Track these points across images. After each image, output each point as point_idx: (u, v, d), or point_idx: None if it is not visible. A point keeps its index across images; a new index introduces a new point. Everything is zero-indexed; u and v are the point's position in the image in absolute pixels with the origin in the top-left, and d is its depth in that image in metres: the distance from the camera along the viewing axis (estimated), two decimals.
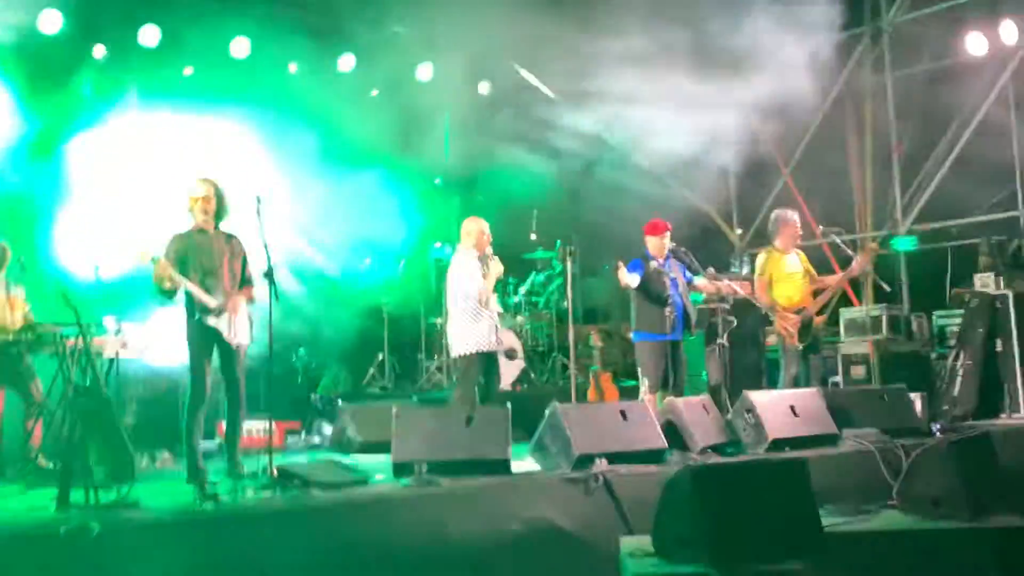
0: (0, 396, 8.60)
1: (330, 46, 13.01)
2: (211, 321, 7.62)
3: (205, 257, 7.76)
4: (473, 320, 8.97)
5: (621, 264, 9.10)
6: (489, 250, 9.15)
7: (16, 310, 8.84)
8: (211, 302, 7.63)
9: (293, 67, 12.96)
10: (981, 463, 6.65)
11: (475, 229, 9.18)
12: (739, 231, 15.44)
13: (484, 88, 14.36)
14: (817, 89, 12.52)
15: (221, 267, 7.81)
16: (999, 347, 10.56)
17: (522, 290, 13.53)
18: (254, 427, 9.80)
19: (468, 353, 8.95)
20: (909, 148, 13.33)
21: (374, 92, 13.38)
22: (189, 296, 7.62)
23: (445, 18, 11.89)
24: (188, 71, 12.29)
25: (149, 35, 11.81)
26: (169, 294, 7.60)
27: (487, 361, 9.03)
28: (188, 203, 7.85)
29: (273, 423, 9.11)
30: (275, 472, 6.48)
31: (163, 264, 7.42)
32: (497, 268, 9.09)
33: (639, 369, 9.40)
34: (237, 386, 7.81)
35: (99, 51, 11.70)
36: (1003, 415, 10.30)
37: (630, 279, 9.13)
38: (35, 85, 11.22)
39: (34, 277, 8.78)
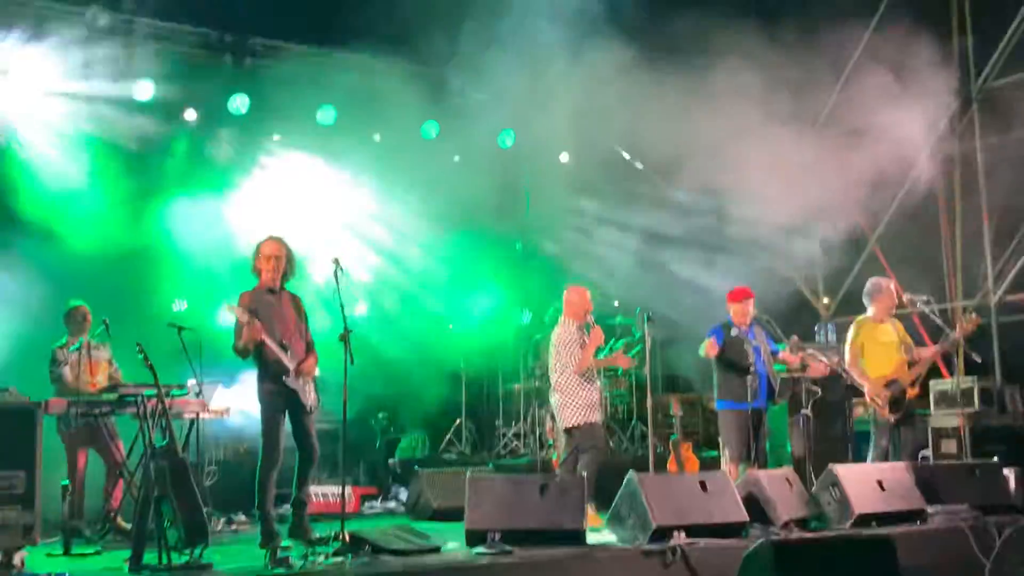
0: (83, 457, 8.74)
1: (412, 114, 13.17)
2: (288, 382, 7.61)
3: (277, 317, 7.74)
4: (581, 389, 8.96)
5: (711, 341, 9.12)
6: (590, 317, 9.14)
7: (99, 373, 9.01)
8: (289, 363, 7.63)
9: (377, 136, 13.12)
10: None
11: (576, 298, 9.19)
12: (825, 300, 15.16)
13: (564, 157, 14.35)
14: (906, 157, 12.33)
15: (293, 328, 7.82)
16: None
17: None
18: (329, 491, 9.82)
19: (581, 424, 8.90)
20: (1002, 215, 12.99)
21: (456, 158, 13.50)
22: (263, 357, 7.60)
23: (527, 86, 11.97)
24: (276, 138, 12.56)
25: (239, 103, 12.06)
26: (245, 351, 7.60)
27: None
28: (257, 261, 7.84)
29: (349, 488, 9.13)
30: (346, 537, 6.42)
31: (249, 320, 7.40)
32: (597, 336, 9.06)
33: (720, 439, 9.22)
34: (313, 449, 7.77)
35: (191, 115, 11.99)
36: None
37: (709, 347, 9.03)
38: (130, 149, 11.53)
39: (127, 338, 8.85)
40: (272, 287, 7.85)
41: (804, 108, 12.34)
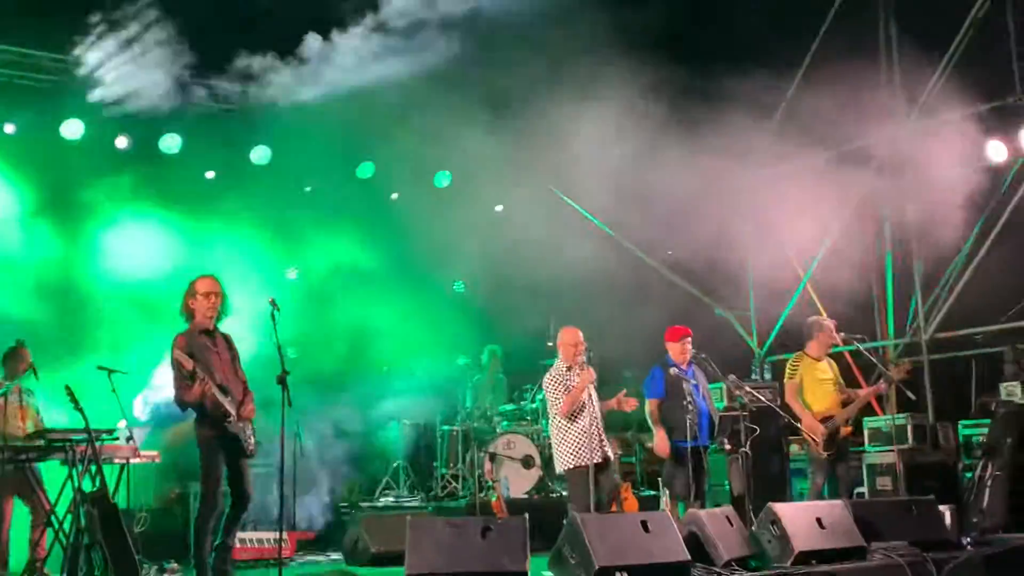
0: (8, 506, 8.46)
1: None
2: (230, 428, 7.41)
3: (215, 360, 7.53)
4: (568, 432, 8.76)
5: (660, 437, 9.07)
6: (582, 359, 8.91)
7: (27, 419, 8.76)
8: (231, 408, 7.42)
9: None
10: None
11: (567, 338, 9.04)
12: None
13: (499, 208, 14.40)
14: (835, 196, 12.52)
15: (229, 370, 7.63)
16: None
17: (540, 397, 13.36)
18: (264, 537, 9.63)
19: (567, 468, 8.75)
20: (929, 255, 13.20)
21: (394, 196, 13.45)
22: (204, 402, 7.36)
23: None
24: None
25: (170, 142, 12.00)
26: (190, 405, 7.37)
27: (596, 473, 8.70)
28: (191, 300, 7.61)
29: (286, 533, 8.94)
30: None
31: (202, 378, 7.20)
32: (586, 377, 8.78)
33: (661, 478, 9.20)
34: (247, 496, 7.57)
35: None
36: None
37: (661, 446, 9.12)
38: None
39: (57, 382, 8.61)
40: (207, 327, 7.64)
41: (738, 145, 12.47)
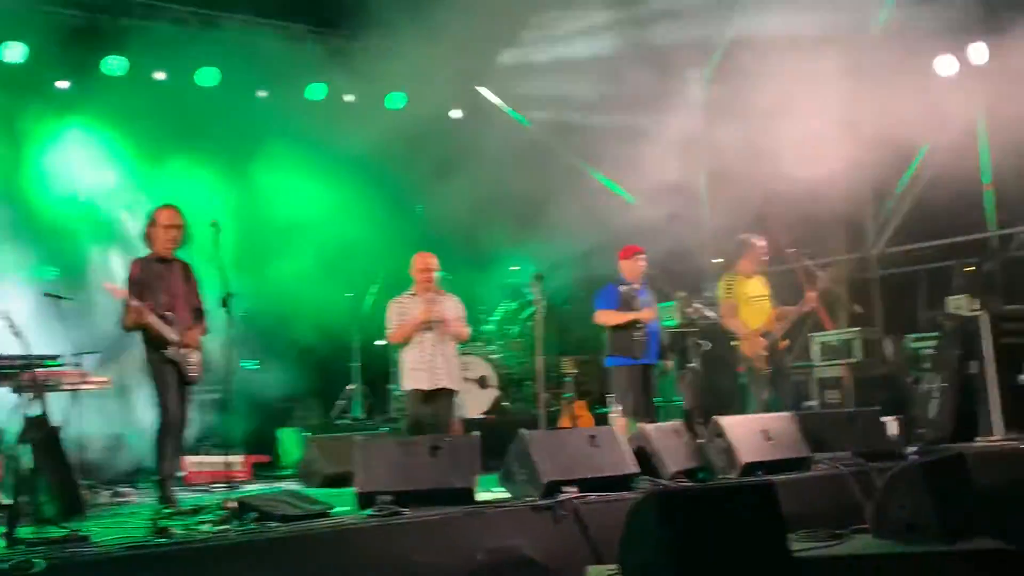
0: None
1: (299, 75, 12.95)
2: (169, 354, 7.49)
3: (165, 288, 7.65)
4: (406, 357, 8.84)
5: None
6: (431, 293, 8.89)
7: None
8: (172, 336, 7.53)
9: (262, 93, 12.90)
10: (955, 485, 6.54)
11: (416, 265, 8.99)
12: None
13: (456, 114, 14.26)
14: None
15: (181, 299, 7.71)
16: (974, 369, 10.46)
17: (494, 319, 13.40)
18: (220, 460, 9.64)
19: (404, 390, 8.88)
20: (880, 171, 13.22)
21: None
22: (147, 330, 7.51)
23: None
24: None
25: (114, 64, 11.74)
26: (132, 330, 7.52)
27: (428, 398, 8.82)
28: (152, 229, 7.71)
29: (242, 457, 8.97)
30: (233, 505, 6.28)
31: (135, 306, 7.31)
32: (428, 310, 8.76)
33: (611, 395, 9.28)
34: (185, 421, 7.74)
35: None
36: (978, 438, 10.18)
37: (603, 318, 9.09)
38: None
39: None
40: (164, 256, 7.74)
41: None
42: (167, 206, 7.85)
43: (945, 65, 12.05)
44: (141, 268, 7.64)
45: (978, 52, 11.77)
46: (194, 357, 7.71)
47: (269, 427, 11.71)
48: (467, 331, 9.18)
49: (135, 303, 7.35)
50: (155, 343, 7.55)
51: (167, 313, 7.58)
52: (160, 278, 7.66)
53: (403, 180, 13.28)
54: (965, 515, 6.35)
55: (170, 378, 7.58)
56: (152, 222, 7.76)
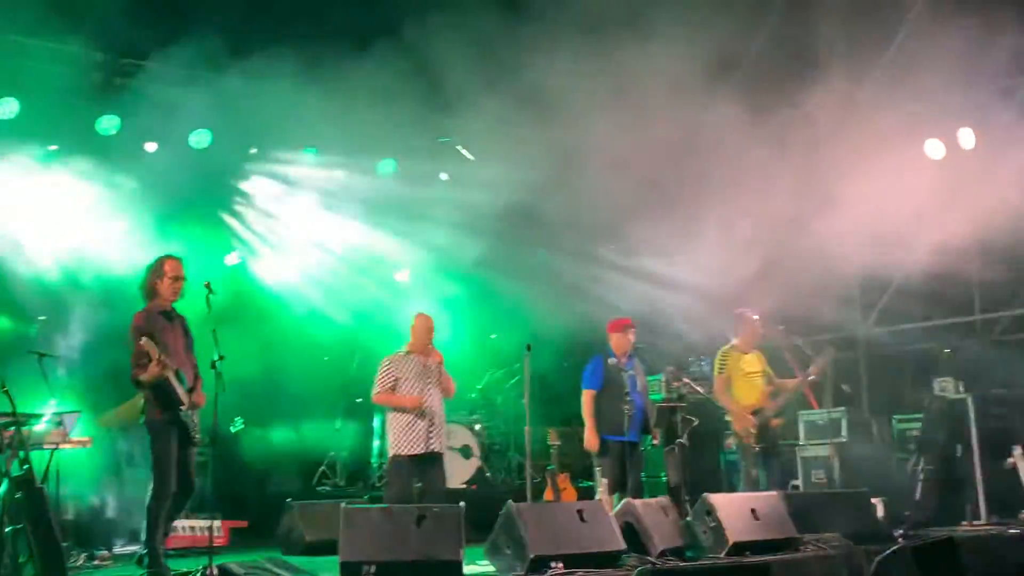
0: None
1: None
2: (182, 415, 7.24)
3: (172, 344, 7.35)
4: (394, 421, 8.63)
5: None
6: (429, 348, 8.74)
7: None
8: (184, 396, 7.25)
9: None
10: (946, 569, 6.48)
11: (417, 326, 8.86)
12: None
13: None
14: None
15: (183, 354, 7.48)
16: (959, 452, 10.44)
17: (478, 387, 13.34)
18: (197, 525, 9.49)
19: (392, 455, 8.64)
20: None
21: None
22: (158, 387, 7.20)
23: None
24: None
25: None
26: (146, 385, 7.19)
27: (420, 464, 8.57)
28: (157, 281, 7.41)
29: (219, 522, 8.80)
30: (215, 573, 6.17)
31: (163, 361, 7.04)
32: (424, 369, 8.62)
33: (596, 469, 9.20)
34: (191, 484, 7.45)
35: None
36: (964, 522, 10.14)
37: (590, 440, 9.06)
38: None
39: None
40: (167, 310, 7.48)
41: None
42: (172, 256, 7.57)
43: (933, 149, 12.17)
44: (146, 321, 7.28)
45: (966, 137, 11.90)
46: (197, 418, 7.44)
47: (248, 491, 11.58)
48: (454, 385, 9.04)
49: (163, 358, 7.04)
50: (165, 402, 7.20)
51: (178, 370, 7.28)
52: (165, 332, 7.32)
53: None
54: None
55: (172, 443, 7.22)
56: (158, 271, 7.44)
